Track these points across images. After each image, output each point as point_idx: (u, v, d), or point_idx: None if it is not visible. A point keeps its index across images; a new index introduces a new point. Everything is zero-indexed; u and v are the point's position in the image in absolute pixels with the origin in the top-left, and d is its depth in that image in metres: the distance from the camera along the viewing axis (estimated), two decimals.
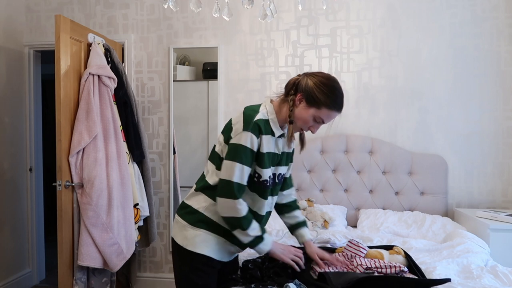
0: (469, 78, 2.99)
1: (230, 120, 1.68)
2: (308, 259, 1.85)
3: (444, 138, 3.02)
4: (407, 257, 1.88)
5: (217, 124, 3.23)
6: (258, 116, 1.61)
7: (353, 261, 1.78)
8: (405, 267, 1.76)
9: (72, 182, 2.56)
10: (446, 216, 2.85)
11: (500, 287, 1.74)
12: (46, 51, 3.49)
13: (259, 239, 1.63)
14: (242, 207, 1.59)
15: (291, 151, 1.80)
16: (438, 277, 1.77)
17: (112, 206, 2.59)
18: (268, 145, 1.63)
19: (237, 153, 1.58)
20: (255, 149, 1.59)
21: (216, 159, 1.69)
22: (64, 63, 2.53)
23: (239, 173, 1.57)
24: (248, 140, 1.57)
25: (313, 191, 3.05)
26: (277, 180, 1.74)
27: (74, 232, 2.60)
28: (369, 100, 3.11)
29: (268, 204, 1.74)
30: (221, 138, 1.68)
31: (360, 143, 3.02)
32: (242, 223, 1.59)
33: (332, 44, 3.13)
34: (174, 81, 3.29)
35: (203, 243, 1.66)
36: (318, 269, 1.73)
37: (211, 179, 1.68)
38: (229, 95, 3.25)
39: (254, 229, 1.61)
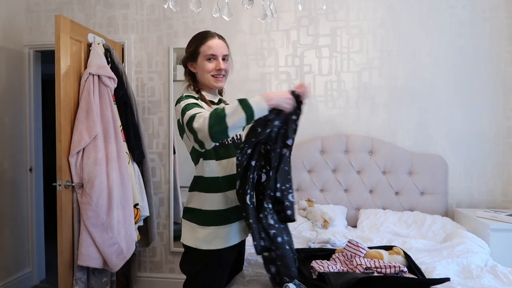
0: (469, 78, 3.00)
1: (178, 120, 1.72)
2: (307, 258, 1.85)
3: (444, 138, 3.02)
4: (407, 257, 1.88)
5: None
6: (185, 93, 1.73)
7: (352, 261, 1.79)
8: (405, 267, 1.76)
9: (72, 182, 2.56)
10: (446, 216, 2.85)
11: (500, 287, 1.74)
12: (46, 51, 3.49)
13: (243, 102, 1.45)
14: (201, 115, 1.50)
15: None
16: (437, 277, 1.77)
17: (112, 206, 2.59)
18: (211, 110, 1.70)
19: (184, 110, 1.59)
20: (196, 101, 1.66)
21: (193, 157, 1.76)
22: (64, 63, 2.53)
23: (192, 109, 1.57)
24: (186, 101, 1.64)
25: (313, 191, 3.05)
26: (237, 141, 1.79)
27: (74, 232, 2.60)
28: (369, 100, 3.11)
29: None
30: (186, 138, 1.72)
31: (360, 143, 3.02)
32: (216, 118, 1.44)
33: (332, 44, 3.13)
34: (174, 81, 3.29)
35: (217, 239, 1.68)
36: (318, 269, 1.73)
37: (196, 173, 1.76)
38: (229, 95, 3.21)
39: (228, 107, 1.47)
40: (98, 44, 2.80)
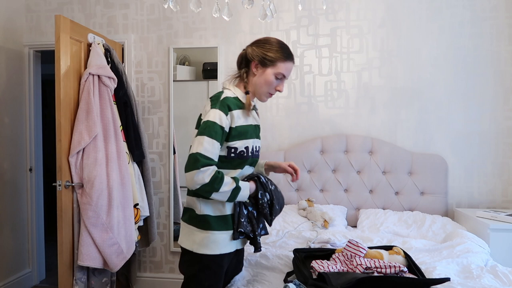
0: (469, 78, 3.00)
1: (200, 114, 1.72)
2: (307, 258, 1.85)
3: (444, 138, 3.02)
4: (407, 257, 1.88)
5: None
6: (224, 95, 1.68)
7: (352, 261, 1.79)
8: (405, 267, 1.76)
9: (72, 182, 2.56)
10: (446, 216, 2.85)
11: (500, 287, 1.74)
12: (46, 51, 3.49)
13: (236, 190, 1.62)
14: (205, 174, 1.55)
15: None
16: (438, 277, 1.77)
17: (112, 206, 2.59)
18: (242, 118, 1.69)
19: (206, 128, 1.60)
20: (224, 125, 1.62)
21: None
22: (64, 63, 2.53)
23: (208, 146, 1.57)
24: (216, 116, 1.61)
25: (313, 191, 3.05)
26: (255, 152, 1.77)
27: (74, 232, 2.60)
28: (369, 100, 3.11)
29: (246, 173, 1.77)
30: (195, 134, 1.70)
31: (360, 143, 3.02)
32: (213, 186, 1.57)
33: (332, 44, 3.13)
34: (174, 81, 3.29)
35: (213, 244, 1.67)
36: (318, 269, 1.73)
37: None
38: None
39: (227, 184, 1.60)
40: (98, 44, 2.80)
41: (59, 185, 2.50)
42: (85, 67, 2.73)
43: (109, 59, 2.85)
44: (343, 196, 3.03)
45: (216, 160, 1.61)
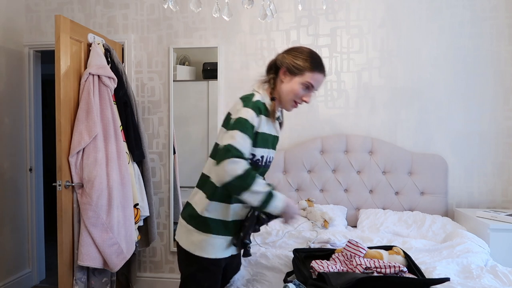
0: (469, 78, 3.00)
1: (228, 112, 1.70)
2: (306, 258, 1.85)
3: (444, 138, 3.02)
4: (407, 257, 1.88)
5: (217, 124, 3.23)
6: (256, 98, 1.66)
7: (352, 261, 1.79)
8: (405, 267, 1.76)
9: (72, 182, 2.56)
10: (446, 216, 2.85)
11: (500, 287, 1.74)
12: (46, 51, 3.49)
13: (270, 196, 1.52)
14: (237, 165, 1.47)
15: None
16: (437, 277, 1.77)
17: (112, 206, 2.59)
18: (266, 126, 1.66)
19: (238, 124, 1.56)
20: (255, 124, 1.59)
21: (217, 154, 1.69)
22: (64, 63, 2.53)
23: (241, 140, 1.53)
24: (248, 115, 1.58)
25: (313, 191, 3.05)
26: (268, 163, 1.74)
27: (74, 232, 2.60)
28: (369, 100, 3.11)
29: None
30: (222, 131, 1.67)
31: (360, 143, 3.02)
32: (246, 181, 1.48)
33: (332, 44, 3.13)
34: (174, 81, 3.29)
35: (211, 247, 1.66)
36: (318, 269, 1.73)
37: (208, 173, 1.69)
38: (229, 95, 3.25)
39: (260, 184, 1.51)
40: (98, 44, 2.80)
41: (59, 185, 2.50)
42: (85, 67, 2.73)
43: (109, 59, 2.85)
44: (343, 196, 3.03)
45: (247, 157, 1.55)
